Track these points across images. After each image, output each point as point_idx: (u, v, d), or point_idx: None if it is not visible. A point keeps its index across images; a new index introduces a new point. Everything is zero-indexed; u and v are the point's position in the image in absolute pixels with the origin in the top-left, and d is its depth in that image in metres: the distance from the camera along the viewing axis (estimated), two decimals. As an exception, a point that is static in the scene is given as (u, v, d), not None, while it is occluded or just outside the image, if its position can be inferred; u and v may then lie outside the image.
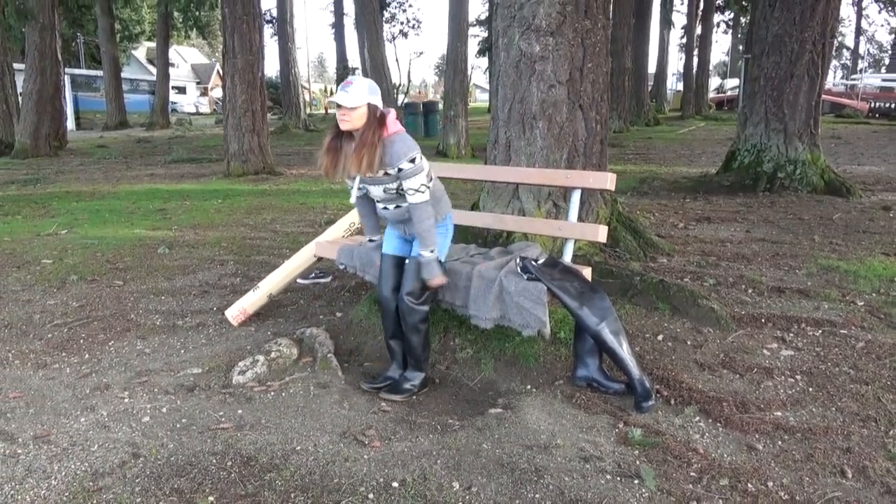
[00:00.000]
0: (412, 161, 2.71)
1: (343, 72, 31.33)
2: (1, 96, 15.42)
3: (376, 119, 2.71)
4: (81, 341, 3.57)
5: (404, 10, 32.42)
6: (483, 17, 35.09)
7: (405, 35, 32.41)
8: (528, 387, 2.99)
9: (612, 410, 2.70)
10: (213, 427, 2.60)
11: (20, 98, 15.75)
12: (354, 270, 3.56)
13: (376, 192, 2.87)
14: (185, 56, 55.06)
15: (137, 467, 2.30)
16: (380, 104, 2.77)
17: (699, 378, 2.94)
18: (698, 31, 28.42)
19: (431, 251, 2.81)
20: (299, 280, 4.46)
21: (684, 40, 31.89)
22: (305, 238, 5.94)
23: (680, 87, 34.79)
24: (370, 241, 3.26)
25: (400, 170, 2.71)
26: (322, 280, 4.60)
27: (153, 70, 44.25)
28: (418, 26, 33.16)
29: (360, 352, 3.49)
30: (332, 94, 47.14)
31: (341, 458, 2.36)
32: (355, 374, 3.19)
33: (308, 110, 30.44)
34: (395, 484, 2.19)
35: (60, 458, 2.36)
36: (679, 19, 33.06)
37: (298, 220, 6.78)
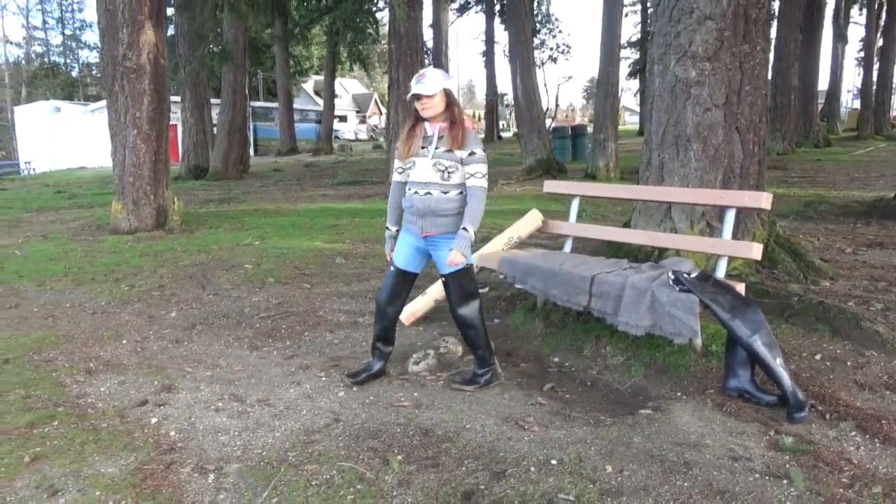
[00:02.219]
0: (482, 150, 3.10)
1: (493, 97, 32.30)
2: (199, 126, 17.80)
3: (453, 101, 3.04)
4: (283, 331, 4.25)
5: (554, 36, 32.84)
6: (634, 38, 34.58)
7: (554, 60, 32.79)
8: (679, 394, 3.15)
9: (763, 420, 2.80)
10: (396, 404, 3.06)
11: (214, 128, 18.16)
12: (513, 280, 3.93)
13: (422, 167, 3.05)
14: (347, 87, 59.45)
15: (339, 429, 2.80)
16: (451, 87, 3.07)
17: (858, 396, 2.93)
18: (879, 43, 25.94)
19: (475, 231, 3.10)
20: (460, 289, 4.90)
21: (862, 54, 29.18)
22: (462, 253, 6.41)
23: (856, 105, 31.82)
24: (387, 229, 3.41)
25: (473, 153, 3.04)
26: (480, 290, 5.01)
27: (319, 101, 48.33)
28: (568, 51, 33.41)
29: (517, 354, 3.82)
30: (480, 119, 48.50)
31: (505, 438, 2.70)
32: (512, 373, 3.53)
33: (458, 135, 31.56)
34: (554, 462, 2.48)
35: (279, 417, 2.93)
36: (857, 32, 30.40)
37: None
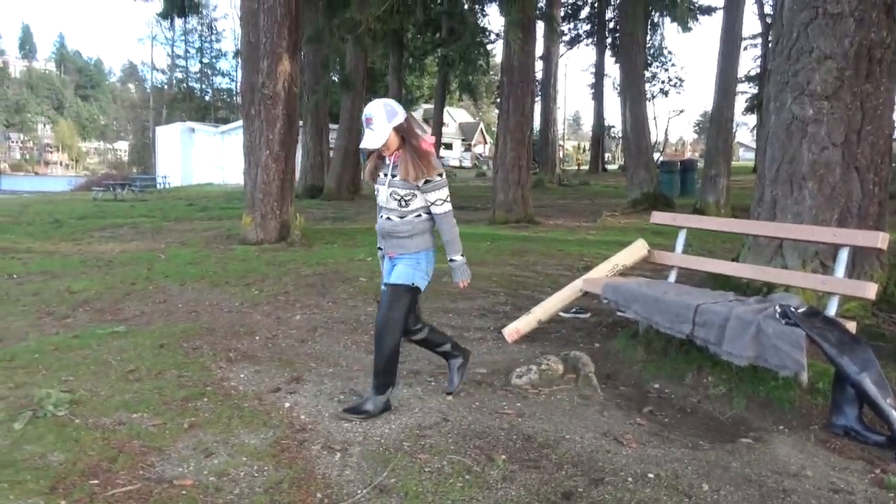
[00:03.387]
0: (440, 175, 3.06)
1: (599, 129, 32.15)
2: (318, 149, 19.01)
3: (407, 134, 3.01)
4: (395, 339, 4.59)
5: (666, 70, 32.28)
6: (753, 73, 33.33)
7: (665, 94, 32.18)
8: (781, 427, 3.17)
9: (869, 458, 2.78)
10: (499, 411, 3.28)
11: (331, 151, 19.34)
12: (616, 305, 4.07)
13: (383, 195, 3.10)
14: (454, 115, 61.03)
15: (447, 427, 3.06)
16: (400, 121, 3.01)
17: (978, 446, 2.84)
18: None
19: (461, 255, 3.19)
20: (561, 313, 5.07)
21: None
22: (565, 280, 6.56)
23: None
24: (378, 249, 3.38)
25: (428, 180, 3.02)
26: (581, 315, 5.16)
27: (427, 129, 49.95)
28: (680, 85, 32.71)
29: (616, 377, 3.94)
30: (584, 150, 48.11)
31: (603, 450, 2.86)
32: (611, 395, 3.66)
33: (561, 166, 31.63)
34: (651, 475, 2.61)
35: (394, 412, 3.23)
36: None
37: (557, 264, 7.48)
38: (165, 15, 18.87)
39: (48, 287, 6.40)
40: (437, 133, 33.09)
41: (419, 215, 3.11)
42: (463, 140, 57.89)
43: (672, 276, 4.37)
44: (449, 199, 3.11)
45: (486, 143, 62.49)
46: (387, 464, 2.68)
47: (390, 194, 3.08)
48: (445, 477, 2.58)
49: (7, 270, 7.32)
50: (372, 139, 2.98)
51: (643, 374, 3.93)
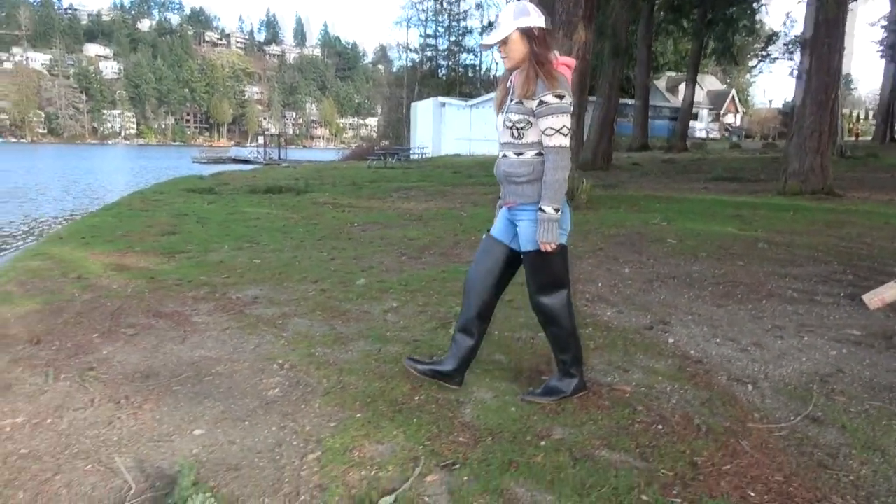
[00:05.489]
0: (559, 97, 2.42)
1: (892, 95, 27.66)
2: (574, 119, 19.14)
3: (535, 39, 2.44)
4: (738, 296, 4.64)
5: None
6: None
7: None
8: None
9: None
10: (898, 370, 3.21)
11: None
12: None
13: (498, 123, 2.62)
14: (702, 83, 56.88)
15: (847, 378, 3.09)
16: (531, 23, 2.45)
17: None
18: None
19: (557, 209, 2.44)
20: (925, 286, 4.65)
21: None
22: (906, 253, 5.98)
23: None
24: (500, 198, 2.83)
25: (542, 101, 2.42)
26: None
27: (669, 98, 47.32)
28: None
29: None
30: (859, 119, 41.69)
31: None
32: None
33: (842, 136, 27.92)
34: None
35: (781, 359, 3.34)
36: None
37: (890, 237, 6.79)
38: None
39: (387, 234, 7.52)
40: (689, 102, 31.29)
41: (539, 153, 2.53)
42: (710, 109, 53.80)
43: None
44: (568, 132, 2.47)
45: (737, 112, 57.29)
46: (805, 400, 2.81)
47: (504, 122, 2.57)
48: (875, 419, 2.64)
49: (348, 220, 8.75)
50: (487, 37, 2.54)
51: None
